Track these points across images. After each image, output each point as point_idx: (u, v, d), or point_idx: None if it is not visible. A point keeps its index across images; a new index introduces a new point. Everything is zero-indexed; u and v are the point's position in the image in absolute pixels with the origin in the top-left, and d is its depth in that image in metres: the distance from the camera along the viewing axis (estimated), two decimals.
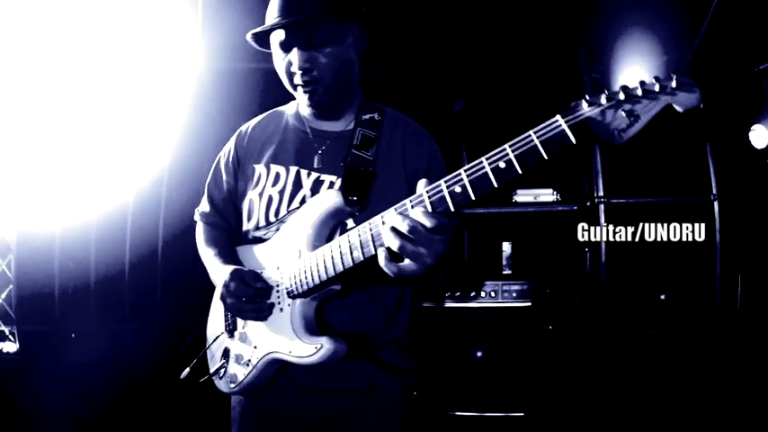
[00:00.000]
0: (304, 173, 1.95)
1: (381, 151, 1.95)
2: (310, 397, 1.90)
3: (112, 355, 4.48)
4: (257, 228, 1.99)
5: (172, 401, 4.03)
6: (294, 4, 1.82)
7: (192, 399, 3.62)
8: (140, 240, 4.67)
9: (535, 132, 1.41)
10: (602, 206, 4.35)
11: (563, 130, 1.39)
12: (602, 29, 4.42)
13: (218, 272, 1.98)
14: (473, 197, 1.46)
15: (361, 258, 1.64)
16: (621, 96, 1.36)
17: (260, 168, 2.03)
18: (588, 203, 4.38)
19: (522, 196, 4.68)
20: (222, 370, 1.99)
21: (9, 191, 4.32)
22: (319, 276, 1.75)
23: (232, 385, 1.96)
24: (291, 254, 1.84)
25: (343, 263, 1.68)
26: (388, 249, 1.52)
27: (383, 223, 1.57)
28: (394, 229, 1.48)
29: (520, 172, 1.43)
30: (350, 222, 1.87)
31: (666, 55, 4.22)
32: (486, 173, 1.43)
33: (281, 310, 1.85)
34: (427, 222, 1.46)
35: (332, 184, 1.91)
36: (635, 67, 4.15)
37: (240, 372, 1.94)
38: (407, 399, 1.98)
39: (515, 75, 4.82)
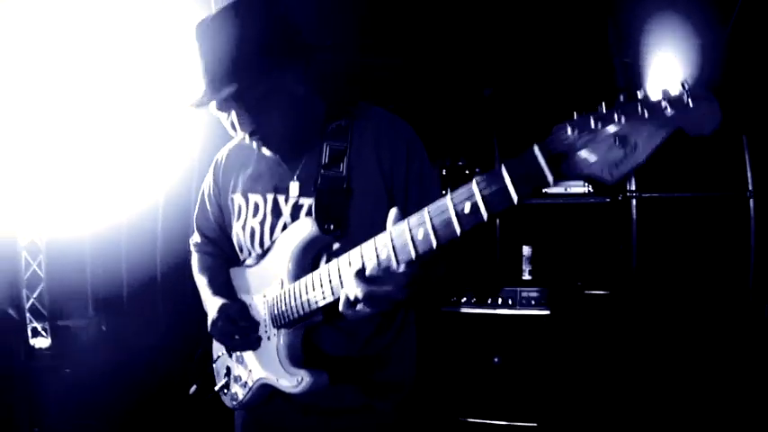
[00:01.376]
0: (281, 199, 1.89)
1: (354, 162, 1.82)
2: (308, 417, 1.89)
3: (142, 349, 4.55)
4: (245, 261, 1.99)
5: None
6: (213, 77, 1.70)
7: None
8: (171, 237, 4.72)
9: (506, 166, 1.19)
10: (633, 201, 4.21)
11: (539, 165, 1.14)
12: (632, 11, 4.27)
13: (208, 304, 2.01)
14: (434, 246, 1.30)
15: (332, 300, 1.59)
16: (617, 118, 1.07)
17: (238, 199, 2.00)
18: (620, 197, 4.24)
19: (553, 187, 4.57)
20: (225, 388, 2.04)
21: (38, 192, 4.39)
22: (298, 312, 1.72)
23: (234, 403, 2.01)
24: (275, 283, 1.82)
25: (317, 303, 1.65)
26: None
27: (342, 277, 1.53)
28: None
29: (485, 219, 1.22)
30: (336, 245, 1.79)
31: (700, 38, 4.06)
32: (450, 218, 1.25)
33: (269, 338, 1.86)
34: (379, 289, 1.41)
35: (310, 208, 1.83)
36: (667, 51, 4.01)
37: (239, 391, 1.98)
38: (402, 413, 1.93)
39: (545, 60, 4.71)
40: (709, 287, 3.80)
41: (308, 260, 1.78)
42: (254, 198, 1.95)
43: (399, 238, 1.37)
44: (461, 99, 5.15)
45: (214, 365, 2.12)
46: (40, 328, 4.29)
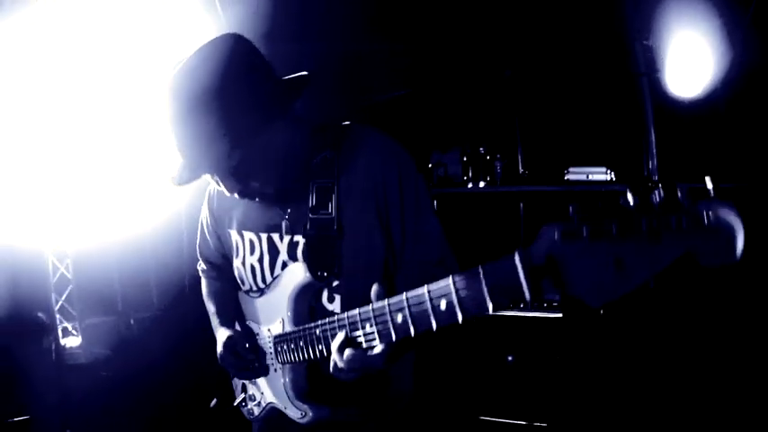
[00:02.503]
0: (276, 237, 1.85)
1: (343, 199, 1.71)
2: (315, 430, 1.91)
3: (171, 341, 4.62)
4: (250, 291, 1.97)
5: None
6: (189, 158, 1.63)
7: None
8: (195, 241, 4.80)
9: (484, 271, 1.10)
10: (656, 191, 4.08)
11: (518, 279, 1.03)
12: None
13: (217, 333, 2.05)
14: (412, 334, 1.28)
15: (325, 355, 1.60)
16: (615, 230, 0.90)
17: (234, 235, 1.97)
18: (641, 188, 4.13)
19: (574, 174, 4.52)
20: (243, 402, 2.10)
21: (63, 202, 4.46)
22: (297, 358, 1.74)
23: (251, 416, 2.08)
24: (277, 321, 1.84)
25: (311, 358, 1.68)
26: None
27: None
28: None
29: (460, 321, 1.16)
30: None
31: (722, 17, 3.94)
32: (428, 311, 1.22)
33: (276, 370, 1.89)
34: (356, 365, 1.44)
35: (305, 245, 1.77)
36: (688, 32, 3.91)
37: (255, 409, 2.05)
38: (402, 421, 1.94)
39: (565, 41, 4.62)
40: (733, 288, 3.69)
41: (305, 305, 1.78)
42: (249, 236, 1.92)
43: (381, 318, 1.37)
44: (481, 82, 5.10)
45: (233, 381, 2.16)
46: (70, 328, 4.40)
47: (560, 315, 4.15)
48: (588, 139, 4.53)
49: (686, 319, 3.81)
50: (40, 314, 4.30)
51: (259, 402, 2.02)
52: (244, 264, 1.92)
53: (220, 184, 1.67)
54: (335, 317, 1.54)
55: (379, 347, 1.41)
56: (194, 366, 2.61)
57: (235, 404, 2.13)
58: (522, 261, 1.01)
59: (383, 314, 1.36)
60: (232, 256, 1.98)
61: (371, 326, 1.41)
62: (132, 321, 4.78)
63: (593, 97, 4.38)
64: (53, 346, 4.19)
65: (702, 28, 3.81)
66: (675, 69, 3.87)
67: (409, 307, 1.27)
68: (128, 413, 4.23)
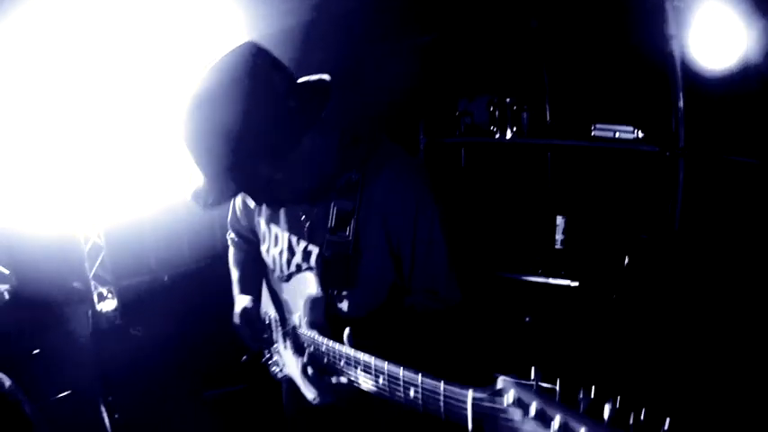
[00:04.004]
0: (294, 240, 1.95)
1: (361, 222, 1.79)
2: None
3: (207, 303, 4.79)
4: (275, 272, 2.11)
5: None
6: (216, 180, 1.66)
7: None
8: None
9: (445, 392, 1.28)
10: (681, 160, 3.94)
11: (465, 414, 1.22)
12: None
13: (236, 300, 2.25)
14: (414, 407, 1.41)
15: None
16: (556, 424, 0.99)
17: (263, 225, 2.09)
18: (668, 153, 3.98)
19: (601, 131, 4.37)
20: (268, 362, 2.33)
21: (93, 180, 4.54)
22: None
23: (276, 378, 2.32)
24: (296, 314, 2.00)
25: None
26: None
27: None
28: None
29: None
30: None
31: None
32: (439, 402, 1.31)
33: (294, 353, 2.01)
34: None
35: (318, 257, 1.87)
36: None
37: (278, 372, 2.28)
38: None
39: None
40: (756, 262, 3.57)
41: (317, 311, 1.89)
42: (275, 230, 2.04)
43: (393, 380, 1.46)
44: (507, 31, 4.89)
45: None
46: (105, 292, 4.59)
47: (576, 284, 4.19)
48: (616, 96, 4.35)
49: (710, 289, 3.73)
50: (75, 284, 4.53)
51: (282, 369, 2.23)
52: (268, 251, 2.08)
53: (247, 198, 1.83)
54: (344, 351, 1.66)
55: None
56: (230, 321, 2.77)
57: (262, 361, 2.35)
58: (472, 406, 1.19)
59: (397, 380, 1.43)
60: (260, 240, 2.13)
61: (383, 379, 1.49)
62: (167, 278, 4.97)
63: (622, 55, 4.16)
64: (89, 313, 4.45)
65: None
66: (706, 33, 3.61)
67: (423, 389, 1.34)
68: (166, 370, 4.41)
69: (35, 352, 3.95)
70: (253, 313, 2.14)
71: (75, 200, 4.43)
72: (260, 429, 3.78)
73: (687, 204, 3.98)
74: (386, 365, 1.46)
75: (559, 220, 4.61)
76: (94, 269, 4.55)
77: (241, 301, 2.17)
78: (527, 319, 4.36)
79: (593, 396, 0.98)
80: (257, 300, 2.26)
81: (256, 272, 2.29)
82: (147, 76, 4.32)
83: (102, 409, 3.91)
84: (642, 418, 0.92)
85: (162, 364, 4.48)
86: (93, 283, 4.53)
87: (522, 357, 4.08)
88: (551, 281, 4.29)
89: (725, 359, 3.44)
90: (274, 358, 2.27)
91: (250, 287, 2.28)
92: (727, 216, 3.75)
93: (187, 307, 4.84)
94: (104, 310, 4.57)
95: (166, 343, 4.59)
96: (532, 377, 1.10)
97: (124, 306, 4.68)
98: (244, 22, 4.32)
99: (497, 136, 4.91)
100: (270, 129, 1.58)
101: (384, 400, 1.62)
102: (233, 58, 1.59)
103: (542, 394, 1.06)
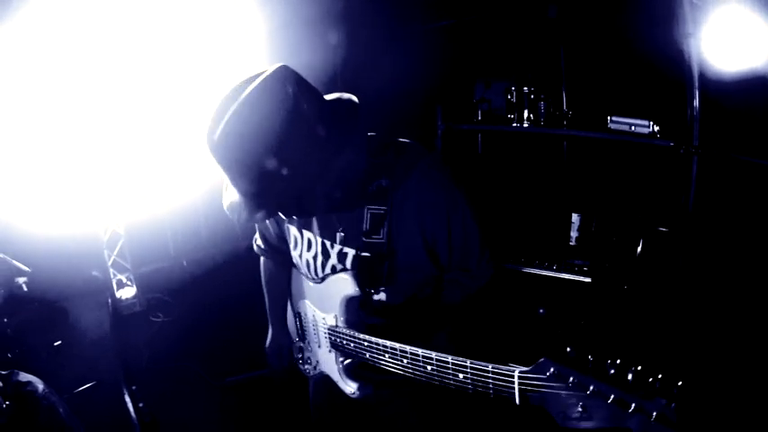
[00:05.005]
0: (329, 244, 2.02)
1: (394, 225, 1.88)
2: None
3: (225, 280, 4.84)
4: (307, 276, 2.18)
5: None
6: (253, 199, 1.71)
7: None
8: None
9: (493, 372, 1.45)
10: (695, 158, 3.93)
11: (513, 391, 1.40)
12: None
13: (270, 328, 2.42)
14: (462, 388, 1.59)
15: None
16: (589, 390, 1.21)
17: (294, 231, 2.14)
18: (681, 150, 3.96)
19: (617, 124, 4.35)
20: (300, 360, 2.42)
21: (112, 176, 4.62)
22: (347, 352, 2.03)
23: (306, 374, 2.41)
24: (331, 314, 2.07)
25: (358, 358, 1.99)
26: None
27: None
28: None
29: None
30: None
31: None
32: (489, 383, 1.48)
33: (330, 351, 2.14)
34: None
35: (354, 258, 1.95)
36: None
37: (310, 370, 2.36)
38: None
39: None
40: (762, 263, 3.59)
41: (353, 310, 2.02)
42: (308, 235, 2.09)
43: (443, 367, 1.61)
44: (527, 19, 4.84)
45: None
46: (124, 279, 4.66)
47: (589, 280, 4.23)
48: (632, 89, 4.32)
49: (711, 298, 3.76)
50: (94, 273, 4.60)
51: (315, 366, 2.31)
52: (300, 256, 2.14)
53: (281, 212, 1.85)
54: (389, 345, 1.79)
55: None
56: (249, 304, 2.82)
57: (292, 361, 2.47)
58: (519, 381, 1.38)
59: (446, 367, 1.60)
60: (290, 245, 2.18)
61: (432, 367, 1.65)
62: (185, 263, 5.04)
63: (640, 49, 4.12)
64: (109, 301, 4.53)
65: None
66: (723, 33, 3.58)
67: (472, 371, 1.52)
68: (187, 356, 4.50)
69: (56, 344, 4.02)
70: (283, 346, 2.35)
71: (95, 191, 4.49)
72: (281, 414, 3.83)
73: (699, 201, 3.97)
74: (434, 354, 1.62)
75: (575, 217, 4.62)
76: (113, 257, 4.60)
77: (272, 333, 2.38)
78: (541, 311, 4.42)
79: (618, 365, 1.20)
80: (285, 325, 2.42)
81: (285, 293, 2.39)
82: (166, 69, 4.34)
83: (127, 398, 3.97)
84: (659, 382, 1.15)
85: (183, 350, 4.57)
86: (111, 271, 4.59)
87: (538, 345, 4.15)
88: (565, 276, 4.33)
89: (730, 346, 3.52)
90: (306, 356, 2.34)
91: (280, 314, 2.42)
92: (737, 215, 3.76)
93: (206, 292, 4.93)
94: (124, 297, 4.63)
95: (187, 329, 4.72)
96: (568, 353, 1.29)
97: (143, 293, 4.74)
98: (261, 13, 4.32)
99: (514, 124, 4.90)
100: (302, 158, 1.62)
101: (415, 389, 1.85)
102: (265, 86, 1.60)
103: (577, 367, 1.26)
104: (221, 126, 1.58)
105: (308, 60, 1.73)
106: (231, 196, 1.78)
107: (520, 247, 4.72)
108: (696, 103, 3.85)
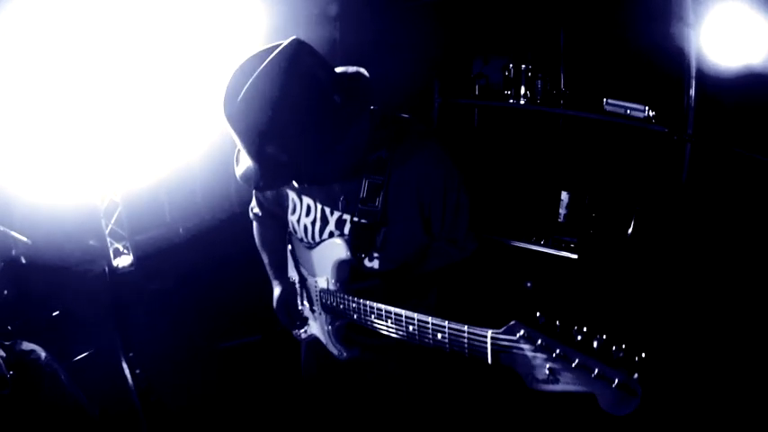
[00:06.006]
0: (328, 210, 2.10)
1: (391, 195, 1.96)
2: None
3: (222, 251, 4.88)
4: (302, 240, 2.26)
5: None
6: (262, 163, 1.74)
7: None
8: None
9: (469, 333, 1.53)
10: (688, 145, 3.96)
11: (485, 350, 1.48)
12: None
13: (273, 284, 2.46)
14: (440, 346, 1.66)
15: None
16: (555, 353, 1.27)
17: (293, 196, 2.22)
18: (675, 137, 4.00)
19: (613, 106, 4.37)
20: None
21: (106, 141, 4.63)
22: (335, 313, 2.15)
23: (298, 339, 2.55)
24: (323, 277, 2.18)
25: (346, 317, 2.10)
26: None
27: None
28: None
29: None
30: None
31: None
32: (464, 342, 1.56)
33: (320, 314, 2.28)
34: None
35: (351, 225, 2.04)
36: None
37: (302, 334, 2.50)
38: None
39: None
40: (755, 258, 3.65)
41: (345, 273, 2.11)
42: (307, 201, 2.17)
43: (423, 328, 1.69)
44: None
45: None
46: (121, 248, 4.70)
47: (576, 257, 4.35)
48: (630, 74, 4.33)
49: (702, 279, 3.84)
50: (91, 242, 4.64)
51: (306, 330, 2.45)
52: (298, 221, 2.22)
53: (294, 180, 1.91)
54: (375, 306, 1.90)
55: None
56: (244, 271, 2.90)
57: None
58: (491, 340, 1.46)
59: (426, 327, 1.68)
60: (287, 210, 2.27)
61: (413, 327, 1.73)
62: (182, 230, 5.08)
63: (640, 33, 4.12)
64: (106, 270, 4.58)
65: None
66: (723, 25, 3.58)
67: (449, 332, 1.60)
68: (183, 322, 4.58)
69: (55, 314, 4.09)
70: (290, 300, 2.36)
71: (92, 161, 4.51)
72: (275, 378, 3.94)
73: (690, 188, 4.03)
74: (416, 315, 1.71)
75: (564, 195, 4.69)
76: (110, 226, 4.64)
77: (277, 288, 2.39)
78: (528, 284, 4.52)
79: (585, 333, 1.26)
80: (290, 282, 2.47)
81: (284, 251, 2.47)
82: (160, 38, 4.34)
83: (124, 365, 4.07)
84: (622, 352, 1.20)
85: (179, 316, 4.66)
86: (108, 239, 4.63)
87: (521, 316, 4.23)
88: (552, 251, 4.45)
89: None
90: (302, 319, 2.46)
91: (283, 268, 2.48)
92: (726, 204, 3.81)
93: (202, 258, 4.98)
94: (120, 265, 4.69)
95: (183, 295, 4.78)
96: (538, 317, 1.36)
97: (139, 260, 4.79)
98: None
99: (511, 101, 4.92)
100: (318, 125, 1.68)
101: (400, 353, 2.06)
102: (280, 56, 1.64)
103: (546, 331, 1.32)
104: (240, 95, 1.64)
105: (307, 34, 1.75)
106: (245, 165, 1.83)
107: (510, 220, 4.82)
108: (692, 92, 3.88)
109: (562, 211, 4.74)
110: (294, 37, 1.70)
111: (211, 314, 4.73)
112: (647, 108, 4.18)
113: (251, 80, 1.62)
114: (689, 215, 4.06)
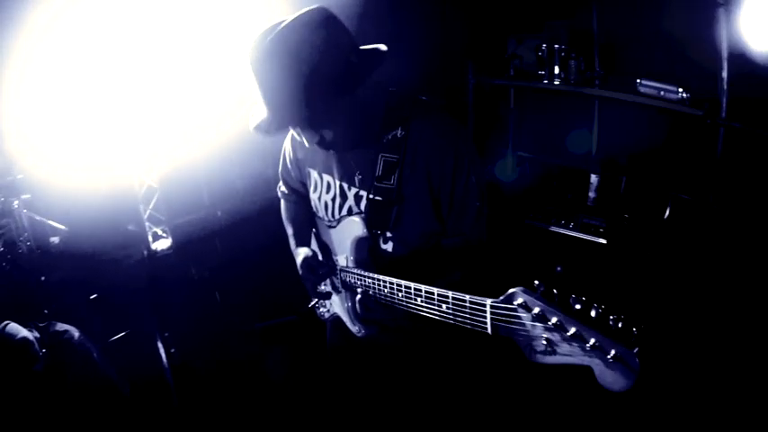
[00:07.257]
0: (346, 186, 2.20)
1: (405, 174, 2.05)
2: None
3: (260, 234, 4.97)
4: (324, 219, 2.37)
5: None
6: (275, 110, 1.87)
7: None
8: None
9: (470, 303, 1.55)
10: (722, 130, 3.82)
11: (485, 320, 1.50)
12: None
13: (295, 253, 2.50)
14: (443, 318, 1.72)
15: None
16: (551, 321, 1.27)
17: (314, 174, 2.33)
18: (708, 120, 3.86)
19: (647, 87, 4.25)
20: (316, 306, 2.69)
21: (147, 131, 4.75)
22: (354, 290, 2.19)
23: (322, 318, 2.68)
24: (343, 256, 2.29)
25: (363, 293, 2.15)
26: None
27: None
28: None
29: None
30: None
31: None
32: (466, 312, 1.59)
33: (340, 291, 2.39)
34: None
35: (367, 201, 2.13)
36: None
37: (325, 313, 2.64)
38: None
39: None
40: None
41: (363, 250, 2.20)
42: (327, 178, 2.28)
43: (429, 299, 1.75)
44: None
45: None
46: (159, 232, 4.83)
47: (604, 241, 4.30)
48: (663, 56, 4.21)
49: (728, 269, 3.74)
50: (130, 227, 4.79)
51: (328, 310, 2.59)
52: (320, 198, 2.33)
53: (301, 135, 2.00)
54: (387, 279, 1.96)
55: None
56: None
57: (309, 306, 2.70)
58: (491, 313, 1.47)
59: (432, 298, 1.73)
60: (309, 188, 2.38)
61: (421, 300, 1.79)
62: (220, 213, 5.19)
63: (673, 16, 4.00)
64: (145, 253, 4.73)
65: None
66: (757, 9, 3.45)
67: (453, 302, 1.64)
68: (219, 302, 4.71)
69: (92, 297, 4.24)
70: (313, 262, 2.38)
71: (130, 146, 4.64)
72: (310, 358, 4.00)
73: (724, 173, 3.91)
74: (423, 287, 1.76)
75: (593, 178, 4.62)
76: (149, 211, 4.77)
77: (301, 253, 2.43)
78: (558, 268, 4.48)
79: (583, 301, 1.26)
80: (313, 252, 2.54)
81: (309, 224, 2.57)
82: (196, 27, 4.43)
83: (159, 344, 4.22)
84: (621, 322, 1.19)
85: (215, 297, 4.78)
86: (147, 224, 4.77)
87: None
88: (581, 235, 4.39)
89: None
90: (321, 300, 2.59)
91: (307, 240, 2.57)
92: (760, 191, 3.70)
93: (240, 241, 5.09)
94: (159, 249, 4.83)
95: (220, 277, 4.90)
96: (536, 286, 1.36)
97: (178, 244, 4.92)
98: None
99: (545, 81, 4.84)
100: (333, 72, 1.79)
101: (414, 335, 2.20)
102: (308, 14, 1.80)
103: (543, 300, 1.32)
104: (264, 43, 1.77)
105: (336, 12, 1.89)
106: (259, 114, 1.94)
107: (541, 204, 4.77)
108: (725, 74, 3.74)
109: (591, 194, 4.67)
110: (319, 5, 1.84)
111: (249, 295, 4.81)
112: (680, 90, 4.06)
113: (277, 29, 1.76)
114: (721, 201, 3.95)
